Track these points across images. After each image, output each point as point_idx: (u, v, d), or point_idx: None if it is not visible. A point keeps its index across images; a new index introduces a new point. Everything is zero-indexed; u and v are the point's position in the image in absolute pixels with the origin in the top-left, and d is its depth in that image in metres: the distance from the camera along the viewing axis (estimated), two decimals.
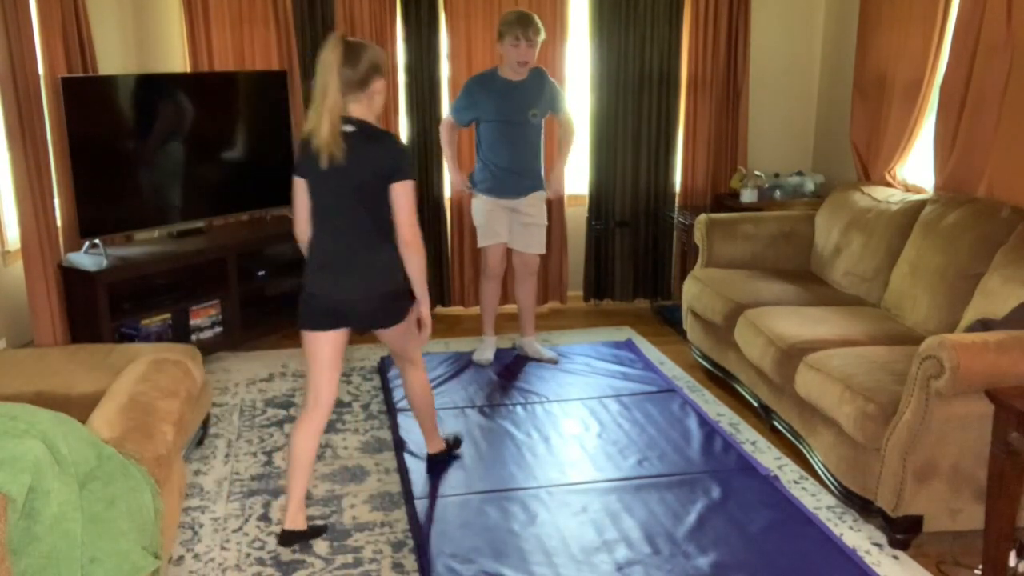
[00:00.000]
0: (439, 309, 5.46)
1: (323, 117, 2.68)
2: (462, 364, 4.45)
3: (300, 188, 2.86)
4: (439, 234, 5.30)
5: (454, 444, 3.49)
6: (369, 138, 2.76)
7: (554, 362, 4.47)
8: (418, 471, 3.32)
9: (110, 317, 4.15)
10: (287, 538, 2.89)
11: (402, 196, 2.77)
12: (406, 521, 3.04)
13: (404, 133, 5.16)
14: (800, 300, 3.97)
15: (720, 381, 4.27)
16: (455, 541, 2.84)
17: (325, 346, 2.89)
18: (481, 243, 4.41)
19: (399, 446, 3.55)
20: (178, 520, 2.79)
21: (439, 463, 3.40)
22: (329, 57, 2.69)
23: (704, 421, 3.73)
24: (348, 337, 2.95)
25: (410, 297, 2.92)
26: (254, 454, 3.57)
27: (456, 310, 5.50)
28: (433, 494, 3.15)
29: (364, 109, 2.79)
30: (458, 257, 5.37)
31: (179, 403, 2.88)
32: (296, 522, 2.89)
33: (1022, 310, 2.91)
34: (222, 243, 4.65)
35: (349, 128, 2.74)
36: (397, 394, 4.02)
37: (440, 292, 5.41)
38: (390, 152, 2.78)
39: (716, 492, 3.14)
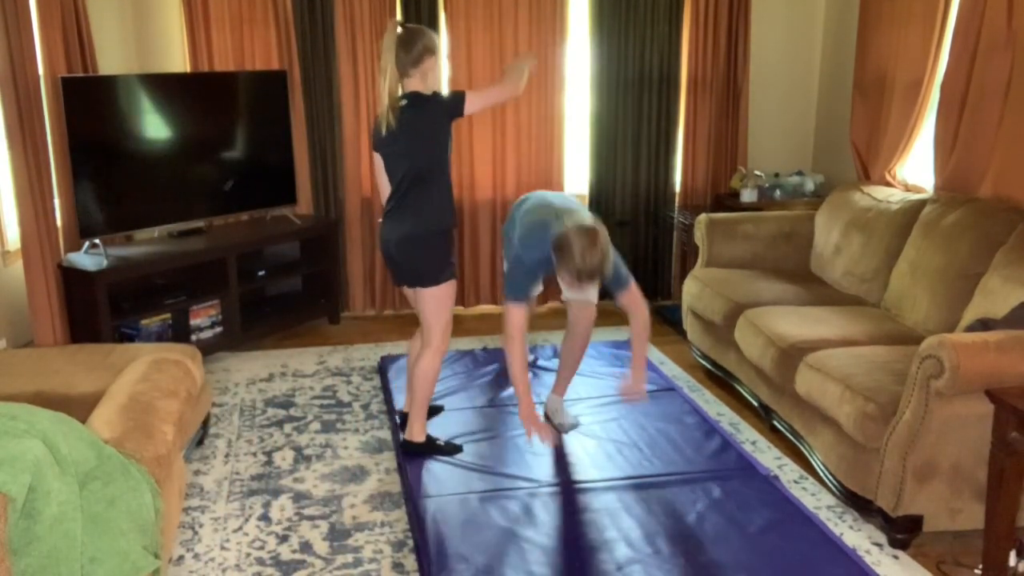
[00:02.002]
0: None
1: (382, 95, 3.16)
2: (462, 364, 4.44)
3: (376, 161, 3.31)
4: None
5: (446, 449, 3.45)
6: (415, 106, 3.14)
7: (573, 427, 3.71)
8: (418, 471, 3.32)
9: (110, 317, 4.15)
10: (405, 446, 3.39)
11: (471, 105, 3.16)
12: (406, 521, 3.04)
13: None
14: (800, 300, 3.97)
15: (720, 381, 4.27)
16: (455, 541, 2.84)
17: (412, 297, 3.35)
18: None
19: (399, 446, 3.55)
20: (178, 520, 2.79)
21: (413, 455, 3.39)
22: (387, 41, 3.13)
23: (704, 421, 3.73)
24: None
25: (440, 263, 3.22)
26: (254, 454, 3.57)
27: (456, 310, 5.47)
28: (433, 494, 3.14)
29: (419, 83, 3.17)
30: (459, 257, 5.37)
31: (179, 403, 2.88)
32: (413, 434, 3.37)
33: (1022, 310, 2.91)
34: (222, 243, 4.65)
35: (403, 102, 3.15)
36: (397, 394, 4.02)
37: None
38: (433, 107, 3.16)
39: (716, 492, 3.14)
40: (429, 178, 3.18)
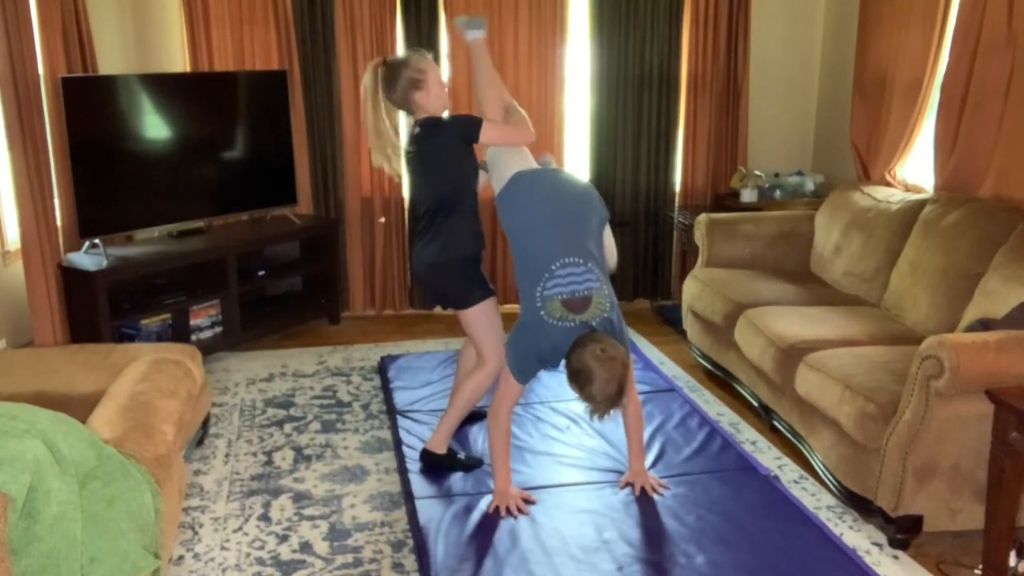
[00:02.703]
0: (439, 309, 5.46)
1: (373, 144, 3.20)
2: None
3: None
4: None
5: (467, 463, 3.33)
6: (429, 134, 3.10)
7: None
8: (418, 471, 3.32)
9: (110, 317, 4.15)
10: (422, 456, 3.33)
11: (486, 134, 3.06)
12: (406, 521, 3.04)
13: (403, 133, 5.15)
14: (800, 300, 3.97)
15: (720, 381, 4.27)
16: (455, 541, 2.84)
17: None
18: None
19: (399, 446, 3.55)
20: (178, 520, 2.79)
21: (431, 465, 3.30)
22: (368, 82, 3.10)
23: (704, 421, 3.73)
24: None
25: (465, 289, 3.16)
26: (254, 454, 3.56)
27: None
28: (433, 494, 3.14)
29: (423, 111, 3.10)
30: None
31: (179, 403, 2.88)
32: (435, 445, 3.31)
33: (1022, 310, 2.91)
34: (222, 243, 4.65)
35: (417, 130, 3.12)
36: (397, 394, 4.02)
37: None
38: (446, 133, 3.10)
39: (716, 492, 3.13)
40: (452, 204, 3.11)
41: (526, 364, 2.94)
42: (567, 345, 2.77)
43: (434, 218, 3.12)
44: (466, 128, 3.07)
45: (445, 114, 3.17)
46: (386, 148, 3.20)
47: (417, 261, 3.20)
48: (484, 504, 3.06)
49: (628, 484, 3.16)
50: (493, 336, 3.20)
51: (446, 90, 3.17)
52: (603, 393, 2.68)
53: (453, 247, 3.12)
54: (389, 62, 3.13)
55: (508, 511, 2.98)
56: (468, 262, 3.17)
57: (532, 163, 3.22)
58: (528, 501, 3.05)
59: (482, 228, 3.23)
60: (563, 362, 2.81)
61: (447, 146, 3.09)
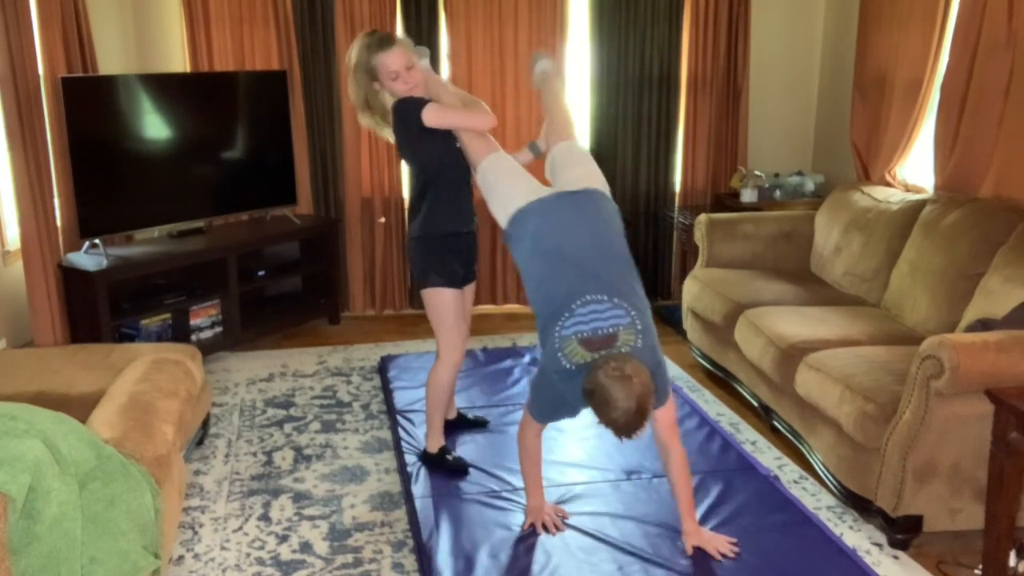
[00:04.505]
0: None
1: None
2: (463, 364, 4.43)
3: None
4: None
5: (452, 466, 3.29)
6: (393, 116, 3.10)
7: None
8: (418, 471, 3.32)
9: (110, 317, 4.15)
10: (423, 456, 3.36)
11: (429, 115, 2.98)
12: (406, 521, 3.04)
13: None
14: (800, 300, 3.97)
15: (720, 381, 4.27)
16: (455, 541, 2.84)
17: None
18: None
19: (399, 446, 3.55)
20: (178, 520, 2.79)
21: (429, 464, 3.32)
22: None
23: (704, 421, 3.73)
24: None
25: (425, 266, 3.15)
26: (254, 454, 3.56)
27: None
28: (433, 494, 3.14)
29: (394, 94, 3.09)
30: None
31: (179, 403, 2.88)
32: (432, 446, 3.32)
33: (1022, 310, 2.91)
34: (222, 243, 4.65)
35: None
36: (397, 394, 4.02)
37: None
38: (396, 117, 3.08)
39: (716, 492, 3.13)
40: (425, 184, 3.15)
41: (544, 411, 2.75)
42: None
43: (415, 197, 3.20)
44: (409, 113, 3.03)
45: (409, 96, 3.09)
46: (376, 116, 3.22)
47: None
48: (484, 504, 3.06)
49: (695, 550, 2.77)
50: (444, 326, 3.19)
51: (405, 78, 3.04)
52: (621, 414, 2.37)
53: (420, 226, 3.16)
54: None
55: (544, 527, 2.85)
56: (430, 243, 3.15)
57: (533, 185, 2.93)
58: (562, 516, 2.92)
59: (462, 211, 3.21)
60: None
61: (400, 129, 3.10)
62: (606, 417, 2.40)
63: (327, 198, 5.20)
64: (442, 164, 3.14)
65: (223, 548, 2.90)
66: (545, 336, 2.60)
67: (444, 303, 3.18)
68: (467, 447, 3.52)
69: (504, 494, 3.14)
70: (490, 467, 3.34)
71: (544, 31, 5.11)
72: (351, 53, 3.11)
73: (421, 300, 3.28)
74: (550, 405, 2.70)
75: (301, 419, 3.89)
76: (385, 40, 3.04)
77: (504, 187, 2.92)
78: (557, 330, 2.54)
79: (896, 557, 2.83)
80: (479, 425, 3.68)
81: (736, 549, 2.75)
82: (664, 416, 2.67)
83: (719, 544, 2.75)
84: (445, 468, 3.30)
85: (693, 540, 2.77)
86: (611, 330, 2.49)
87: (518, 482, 3.20)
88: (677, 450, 2.74)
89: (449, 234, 3.19)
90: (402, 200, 5.26)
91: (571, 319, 2.52)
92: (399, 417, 3.77)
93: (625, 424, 2.39)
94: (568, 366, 2.51)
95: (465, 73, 5.07)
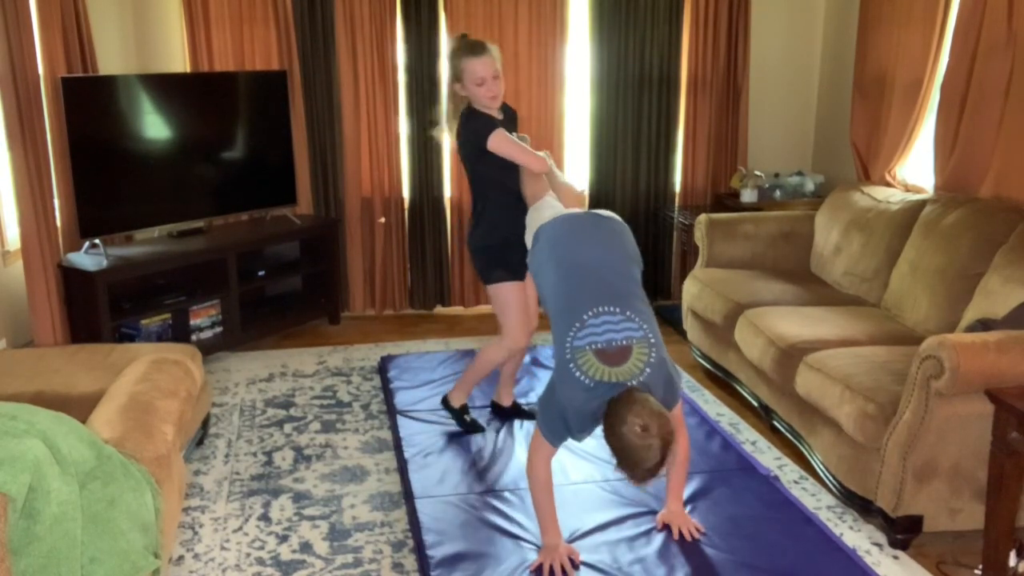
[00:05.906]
0: (439, 309, 5.47)
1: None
2: (464, 363, 4.44)
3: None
4: (440, 233, 5.31)
5: (468, 425, 3.63)
6: (465, 122, 3.28)
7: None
8: (418, 471, 3.32)
9: (110, 317, 4.15)
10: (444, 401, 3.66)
11: (495, 142, 3.18)
12: (406, 521, 3.04)
13: (403, 133, 5.17)
14: (800, 300, 3.97)
15: (720, 381, 4.27)
16: (455, 541, 2.84)
17: None
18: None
19: (399, 446, 3.55)
20: (178, 520, 2.79)
21: (447, 410, 3.67)
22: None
23: (704, 421, 3.73)
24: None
25: (488, 266, 3.35)
26: (254, 454, 3.57)
27: (456, 310, 5.50)
28: (433, 494, 3.14)
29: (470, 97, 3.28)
30: (458, 257, 5.37)
31: (179, 403, 2.88)
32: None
33: (1022, 310, 2.91)
34: (222, 243, 4.65)
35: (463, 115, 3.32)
36: (397, 394, 4.02)
37: (440, 292, 5.41)
38: (469, 128, 3.25)
39: (716, 492, 3.13)
40: (483, 192, 3.35)
41: (555, 429, 2.62)
42: (597, 412, 2.42)
43: (475, 207, 3.42)
44: (480, 132, 3.22)
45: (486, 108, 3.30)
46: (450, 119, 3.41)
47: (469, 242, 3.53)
48: (483, 504, 3.06)
49: (666, 525, 2.88)
50: (510, 315, 3.40)
51: (487, 86, 3.22)
52: (642, 473, 2.34)
53: (482, 236, 3.39)
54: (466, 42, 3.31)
55: (551, 570, 2.65)
56: (492, 249, 3.37)
57: (560, 210, 3.06)
58: (574, 561, 2.70)
59: (518, 222, 3.28)
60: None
61: (469, 140, 3.28)
62: (627, 471, 2.36)
63: (327, 198, 5.20)
64: (495, 180, 3.33)
65: (223, 548, 2.90)
66: (556, 350, 2.57)
67: (508, 296, 3.38)
68: (467, 447, 3.51)
69: (504, 493, 3.14)
70: (490, 466, 3.34)
71: (544, 31, 5.11)
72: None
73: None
74: (558, 427, 2.60)
75: (301, 419, 3.90)
76: (477, 46, 3.24)
77: (543, 217, 3.04)
78: (569, 340, 2.50)
79: (896, 557, 2.83)
80: (531, 417, 3.76)
81: (700, 537, 2.84)
82: (673, 417, 2.59)
83: (688, 525, 2.86)
84: (461, 423, 3.63)
85: (673, 519, 2.88)
86: (625, 342, 2.46)
87: (518, 482, 3.20)
88: (683, 445, 2.85)
89: (508, 237, 3.36)
90: (402, 200, 5.26)
91: (583, 330, 2.49)
92: (399, 417, 3.77)
93: (642, 478, 2.36)
94: (584, 379, 2.44)
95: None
